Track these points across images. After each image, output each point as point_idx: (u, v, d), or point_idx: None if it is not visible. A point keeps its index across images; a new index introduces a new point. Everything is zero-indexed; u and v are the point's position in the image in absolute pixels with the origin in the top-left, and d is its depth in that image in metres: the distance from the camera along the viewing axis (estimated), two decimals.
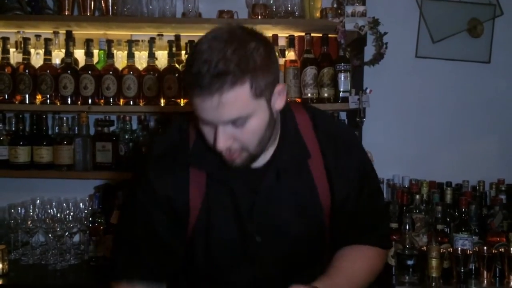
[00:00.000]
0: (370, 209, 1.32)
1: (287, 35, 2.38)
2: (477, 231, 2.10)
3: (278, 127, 1.22)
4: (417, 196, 2.19)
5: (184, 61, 2.37)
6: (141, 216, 1.23)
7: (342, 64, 2.30)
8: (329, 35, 2.34)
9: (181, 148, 1.23)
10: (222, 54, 1.00)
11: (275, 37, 2.35)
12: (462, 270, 1.91)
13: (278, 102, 1.14)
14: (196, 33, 2.44)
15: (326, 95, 2.32)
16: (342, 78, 2.31)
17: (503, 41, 2.59)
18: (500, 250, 1.98)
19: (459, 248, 1.95)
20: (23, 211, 2.27)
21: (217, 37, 1.04)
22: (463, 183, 2.43)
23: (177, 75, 2.32)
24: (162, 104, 2.33)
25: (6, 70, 2.30)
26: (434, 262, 1.27)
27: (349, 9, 2.22)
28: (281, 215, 1.24)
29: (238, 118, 1.05)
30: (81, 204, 2.33)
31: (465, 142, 2.61)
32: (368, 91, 2.24)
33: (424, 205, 2.24)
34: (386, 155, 2.45)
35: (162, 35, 2.43)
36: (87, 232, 2.26)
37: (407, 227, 2.03)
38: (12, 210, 2.28)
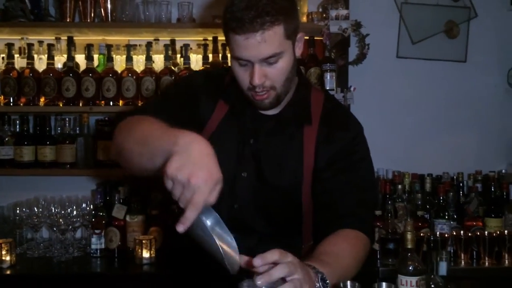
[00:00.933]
0: (357, 202, 1.32)
1: None
2: (455, 216, 2.26)
3: (294, 85, 1.38)
4: (399, 186, 2.35)
5: (180, 64, 2.53)
6: (176, 96, 1.39)
7: (328, 64, 2.45)
8: (315, 37, 2.50)
9: (220, 81, 1.42)
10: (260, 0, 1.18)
11: None
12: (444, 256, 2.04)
13: (298, 49, 1.31)
14: (190, 38, 2.59)
15: None
16: (328, 77, 2.46)
17: (478, 41, 2.76)
18: (476, 233, 2.13)
19: (438, 232, 2.11)
20: (27, 209, 2.37)
21: None
22: (443, 175, 2.58)
23: (173, 76, 2.46)
24: None
25: (11, 74, 2.44)
26: (409, 235, 1.41)
27: (333, 13, 2.38)
28: (268, 161, 1.35)
29: (274, 55, 1.21)
30: (83, 200, 2.45)
31: (444, 136, 2.78)
32: (352, 89, 2.41)
33: (406, 194, 2.40)
34: (371, 149, 2.59)
35: (158, 39, 2.58)
36: (90, 226, 2.39)
37: (389, 215, 2.19)
38: (18, 208, 2.40)
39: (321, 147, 1.35)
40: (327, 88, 2.46)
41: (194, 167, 0.96)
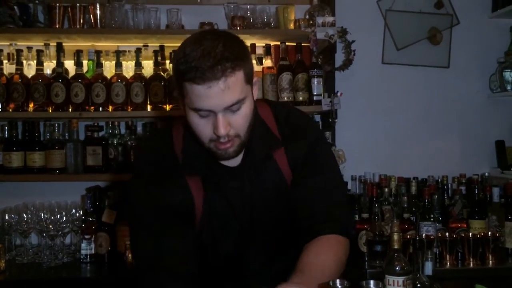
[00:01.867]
0: (328, 202, 1.34)
1: (264, 44, 2.58)
2: (440, 218, 2.31)
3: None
4: (386, 189, 2.39)
5: (169, 70, 2.55)
6: (154, 232, 1.28)
7: (315, 70, 2.50)
8: (303, 44, 2.55)
9: (170, 158, 1.31)
10: (216, 46, 1.12)
11: (253, 46, 2.54)
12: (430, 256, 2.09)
13: (255, 91, 1.27)
14: (179, 44, 2.57)
15: (301, 98, 2.52)
16: (316, 82, 2.51)
17: (460, 48, 2.83)
18: (461, 235, 2.18)
19: (424, 234, 2.16)
20: (16, 216, 2.37)
21: (202, 37, 1.17)
22: (428, 178, 2.64)
23: (162, 82, 2.49)
24: (149, 110, 2.49)
25: (0, 80, 2.44)
26: (395, 236, 1.45)
27: (319, 20, 2.43)
28: (265, 201, 1.34)
29: (237, 101, 1.16)
30: (72, 206, 2.45)
31: (429, 140, 2.84)
32: (339, 94, 2.45)
33: (392, 197, 2.44)
34: (357, 154, 2.66)
35: (147, 45, 2.60)
36: (79, 231, 2.39)
37: (376, 217, 2.23)
38: (6, 214, 2.40)
39: (292, 160, 1.35)
40: (315, 93, 2.51)
41: None
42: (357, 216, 2.30)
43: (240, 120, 1.19)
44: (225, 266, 1.39)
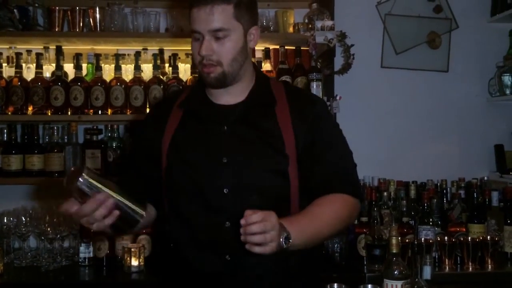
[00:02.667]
0: (339, 164, 1.44)
1: (263, 48, 2.58)
2: (439, 222, 2.31)
3: (249, 74, 1.46)
4: (385, 193, 2.40)
5: (168, 73, 2.55)
6: (132, 149, 1.62)
7: (314, 73, 2.50)
8: (302, 48, 2.55)
9: (176, 97, 1.53)
10: None
11: (252, 50, 2.54)
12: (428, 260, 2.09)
13: (252, 41, 1.43)
14: (178, 47, 2.62)
15: None
16: (315, 86, 2.51)
17: (459, 52, 2.84)
18: (460, 239, 2.18)
19: (423, 238, 2.16)
20: (15, 219, 2.36)
21: None
22: (427, 182, 2.64)
23: (161, 86, 2.49)
24: None
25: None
26: (394, 240, 1.45)
27: (319, 24, 2.44)
28: (246, 149, 1.40)
29: (221, 29, 1.34)
30: None
31: (428, 144, 2.84)
32: (338, 97, 2.46)
33: (391, 201, 2.44)
34: (356, 157, 2.62)
35: (147, 49, 2.60)
36: (78, 235, 2.38)
37: (375, 221, 2.24)
38: (5, 217, 2.39)
39: (296, 123, 1.42)
40: None
41: None
42: (356, 220, 2.30)
43: (223, 49, 1.36)
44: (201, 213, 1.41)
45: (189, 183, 1.41)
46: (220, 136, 1.41)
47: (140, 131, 1.60)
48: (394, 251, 1.45)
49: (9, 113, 2.45)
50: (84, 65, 2.55)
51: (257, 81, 1.48)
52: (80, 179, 1.23)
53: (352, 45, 2.50)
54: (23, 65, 2.51)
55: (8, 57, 2.56)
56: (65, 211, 1.27)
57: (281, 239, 1.20)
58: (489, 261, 2.15)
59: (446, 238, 2.18)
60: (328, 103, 2.46)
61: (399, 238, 1.48)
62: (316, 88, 2.51)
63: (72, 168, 1.32)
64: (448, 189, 2.54)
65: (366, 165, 2.71)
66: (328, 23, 2.45)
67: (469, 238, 2.17)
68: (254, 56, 2.55)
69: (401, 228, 2.22)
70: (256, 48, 2.57)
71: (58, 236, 2.36)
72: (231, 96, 1.45)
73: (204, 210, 1.39)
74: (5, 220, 2.38)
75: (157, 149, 1.45)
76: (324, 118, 1.49)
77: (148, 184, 1.48)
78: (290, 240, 1.22)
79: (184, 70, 2.63)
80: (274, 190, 1.39)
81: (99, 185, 1.24)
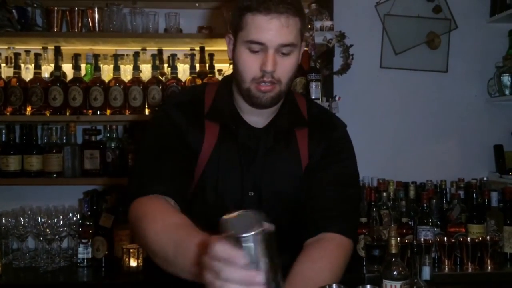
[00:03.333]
0: (341, 197, 1.32)
1: None
2: (438, 223, 2.31)
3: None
4: (384, 194, 2.39)
5: (167, 73, 2.55)
6: (160, 140, 1.30)
7: (313, 74, 2.50)
8: None
9: (198, 103, 1.34)
10: None
11: None
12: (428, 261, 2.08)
13: (300, 55, 1.29)
14: (177, 48, 2.62)
15: None
16: (314, 86, 2.51)
17: (459, 52, 2.83)
18: (459, 239, 2.18)
19: (422, 238, 2.15)
20: (13, 220, 2.35)
21: None
22: (427, 182, 2.63)
23: (160, 86, 2.48)
24: (147, 113, 2.48)
25: None
26: (393, 241, 1.44)
27: (318, 24, 2.43)
28: (273, 175, 1.33)
29: (291, 44, 1.19)
30: (69, 210, 2.44)
31: (427, 145, 2.83)
32: (337, 98, 2.45)
33: (390, 202, 2.44)
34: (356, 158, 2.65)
35: (145, 49, 2.60)
36: (76, 235, 2.38)
37: (374, 222, 2.23)
38: (3, 217, 2.39)
39: (312, 146, 1.35)
40: (313, 97, 2.50)
41: None
42: None
43: (287, 66, 1.22)
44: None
45: (215, 205, 1.33)
46: (249, 167, 1.32)
47: (170, 132, 1.32)
48: (393, 252, 1.44)
49: (8, 113, 2.44)
50: (83, 66, 2.55)
51: (285, 98, 1.35)
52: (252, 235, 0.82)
53: (351, 46, 2.49)
54: (22, 65, 2.50)
55: (6, 57, 2.56)
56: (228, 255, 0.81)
57: None
58: (489, 261, 2.15)
59: (445, 238, 2.17)
60: (327, 104, 2.46)
61: (398, 238, 1.48)
62: (315, 89, 2.51)
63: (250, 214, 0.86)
64: (448, 189, 2.54)
65: (366, 165, 2.70)
66: (327, 23, 2.44)
67: (469, 238, 2.17)
68: None
69: (400, 228, 2.21)
70: None
71: (57, 237, 2.35)
72: (263, 116, 1.33)
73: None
74: (4, 221, 2.38)
75: (193, 160, 1.31)
76: (340, 147, 1.39)
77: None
78: None
79: (183, 70, 2.62)
80: (293, 219, 1.36)
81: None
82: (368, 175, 2.67)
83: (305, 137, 1.35)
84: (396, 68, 2.80)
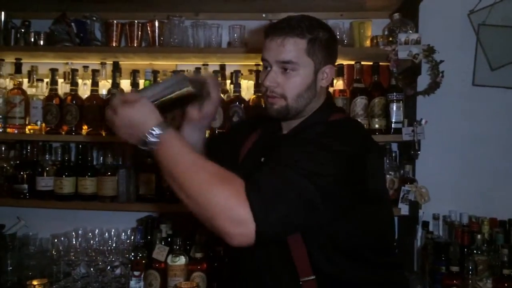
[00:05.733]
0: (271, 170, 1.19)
1: (336, 64, 2.28)
2: None
3: (311, 109, 1.41)
4: (479, 236, 2.03)
5: (230, 91, 2.34)
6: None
7: (395, 93, 2.19)
8: (380, 63, 2.24)
9: (257, 118, 1.63)
10: (297, 17, 1.37)
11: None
12: None
13: (323, 80, 1.39)
14: (241, 63, 2.40)
15: (377, 126, 2.21)
16: (394, 108, 2.19)
17: None
18: None
19: None
20: (66, 241, 2.24)
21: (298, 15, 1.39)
22: None
23: (221, 105, 2.26)
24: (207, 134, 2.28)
25: (54, 101, 2.32)
26: None
27: (402, 37, 2.12)
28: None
29: (289, 62, 1.33)
30: (123, 235, 2.30)
31: None
32: (423, 122, 2.12)
33: (485, 245, 2.07)
34: (442, 190, 2.30)
35: (207, 64, 2.40)
36: (129, 265, 2.20)
37: (470, 272, 1.87)
38: (56, 240, 2.26)
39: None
40: (393, 120, 2.19)
41: None
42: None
43: (289, 83, 1.35)
44: None
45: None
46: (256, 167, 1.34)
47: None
48: None
49: (63, 133, 2.32)
50: (141, 82, 2.39)
51: (314, 114, 1.41)
52: None
53: (442, 61, 2.15)
54: (79, 81, 2.38)
55: (64, 73, 2.45)
56: None
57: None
58: None
59: None
60: (410, 129, 2.13)
61: None
62: (396, 110, 2.20)
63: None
64: None
65: (454, 198, 2.36)
66: (413, 36, 2.12)
67: None
68: None
69: (501, 282, 1.84)
70: None
71: (109, 267, 2.20)
72: (285, 128, 1.47)
73: None
74: (56, 245, 2.25)
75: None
76: (311, 135, 1.31)
77: None
78: (156, 132, 1.18)
79: (247, 88, 2.40)
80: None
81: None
82: (456, 210, 2.31)
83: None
84: (492, 86, 2.41)
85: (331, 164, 1.18)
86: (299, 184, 1.12)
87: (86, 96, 2.34)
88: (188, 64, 2.43)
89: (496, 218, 2.24)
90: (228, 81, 2.37)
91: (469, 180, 2.40)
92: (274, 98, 1.36)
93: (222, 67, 2.37)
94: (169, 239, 2.16)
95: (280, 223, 1.10)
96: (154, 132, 1.17)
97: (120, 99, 1.24)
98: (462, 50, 2.41)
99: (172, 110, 1.40)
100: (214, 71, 2.33)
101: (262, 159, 1.40)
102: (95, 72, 2.32)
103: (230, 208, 1.08)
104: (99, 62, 2.41)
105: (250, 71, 2.39)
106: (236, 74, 2.31)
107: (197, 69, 2.35)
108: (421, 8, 2.26)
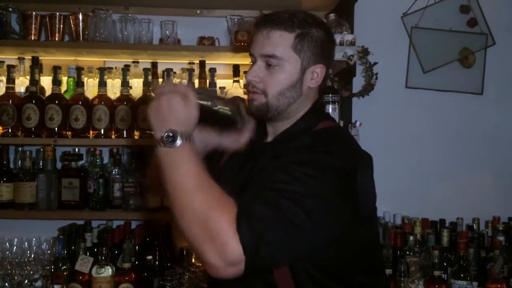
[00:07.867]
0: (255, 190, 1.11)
1: None
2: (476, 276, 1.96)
3: (296, 113, 1.31)
4: (411, 237, 2.05)
5: None
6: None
7: (330, 95, 2.14)
8: None
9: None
10: (292, 13, 1.27)
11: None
12: None
13: (311, 80, 1.28)
14: (174, 60, 2.29)
15: None
16: (330, 109, 2.14)
17: (496, 72, 2.49)
18: None
19: None
20: None
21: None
22: (457, 221, 2.31)
23: None
24: (136, 137, 2.15)
25: None
26: None
27: (337, 38, 2.09)
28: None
29: (272, 56, 1.24)
30: (44, 245, 2.14)
31: (458, 176, 2.49)
32: (358, 124, 2.10)
33: (417, 246, 2.09)
34: (376, 191, 2.30)
35: (137, 62, 2.27)
36: (50, 277, 2.04)
37: (402, 274, 1.88)
38: None
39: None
40: None
41: None
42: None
43: (271, 79, 1.26)
44: None
45: None
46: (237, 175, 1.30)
47: None
48: None
49: None
50: (64, 79, 2.22)
51: (300, 121, 1.30)
52: None
53: (376, 63, 2.14)
54: None
55: None
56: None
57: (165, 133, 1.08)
58: None
59: None
60: None
61: None
62: (331, 112, 2.15)
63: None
64: (484, 232, 2.19)
65: (387, 200, 2.33)
66: (348, 37, 2.09)
67: None
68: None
69: (432, 284, 1.86)
70: None
71: (26, 280, 2.02)
72: (271, 134, 1.36)
73: None
74: None
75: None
76: (299, 149, 1.21)
77: None
78: (173, 136, 1.08)
79: None
80: None
81: None
82: (390, 211, 2.33)
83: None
84: (424, 89, 2.45)
85: (324, 188, 1.10)
86: (290, 212, 1.05)
87: (1, 94, 2.14)
88: (117, 61, 2.29)
89: (428, 218, 2.28)
90: (160, 80, 2.25)
91: (403, 181, 2.43)
92: (255, 94, 1.27)
93: (154, 65, 2.25)
94: (95, 249, 2.01)
95: (270, 258, 1.04)
96: (178, 135, 1.08)
97: (182, 89, 1.14)
98: (396, 52, 2.44)
99: (206, 124, 1.29)
100: (144, 69, 2.20)
101: (239, 170, 1.31)
102: (10, 68, 2.12)
103: (221, 243, 1.01)
104: (16, 57, 2.21)
105: (183, 69, 2.29)
106: (168, 73, 2.20)
107: (126, 66, 2.19)
108: (356, 9, 2.25)
